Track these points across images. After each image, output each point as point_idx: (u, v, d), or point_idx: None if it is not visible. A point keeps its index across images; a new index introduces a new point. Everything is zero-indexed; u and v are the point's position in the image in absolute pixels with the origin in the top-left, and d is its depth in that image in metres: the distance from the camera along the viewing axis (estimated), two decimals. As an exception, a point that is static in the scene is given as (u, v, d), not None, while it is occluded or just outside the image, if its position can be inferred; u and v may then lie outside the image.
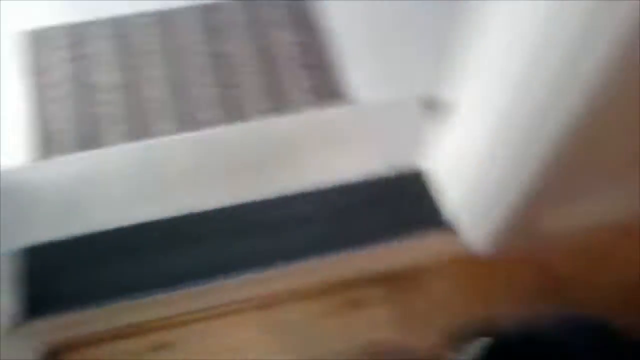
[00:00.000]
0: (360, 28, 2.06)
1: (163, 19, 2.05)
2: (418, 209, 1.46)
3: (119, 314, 1.31)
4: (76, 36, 2.00)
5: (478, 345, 0.91)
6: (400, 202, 1.49)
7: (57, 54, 1.96)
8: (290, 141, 1.75)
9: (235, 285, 1.36)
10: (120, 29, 2.02)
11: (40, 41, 1.98)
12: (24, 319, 1.26)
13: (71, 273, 1.35)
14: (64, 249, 1.38)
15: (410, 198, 1.49)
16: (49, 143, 1.79)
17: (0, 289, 1.23)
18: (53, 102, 1.87)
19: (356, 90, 1.93)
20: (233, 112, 1.93)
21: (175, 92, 1.94)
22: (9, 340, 1.16)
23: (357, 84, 1.94)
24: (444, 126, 1.41)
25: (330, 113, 1.83)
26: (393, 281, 1.41)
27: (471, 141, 1.28)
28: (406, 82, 1.86)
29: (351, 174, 1.60)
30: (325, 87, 1.97)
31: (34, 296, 1.29)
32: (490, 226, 1.36)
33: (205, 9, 2.09)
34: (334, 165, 1.64)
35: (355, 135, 1.71)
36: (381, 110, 1.75)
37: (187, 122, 1.89)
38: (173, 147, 1.72)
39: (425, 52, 1.91)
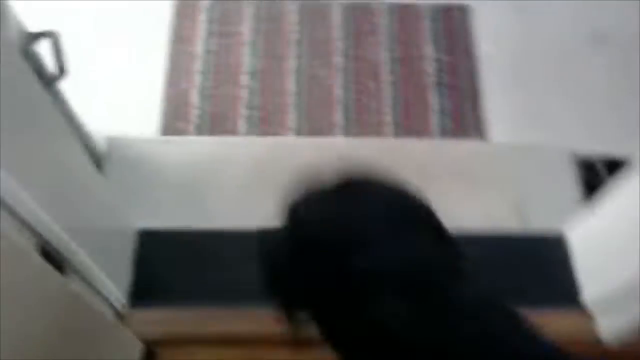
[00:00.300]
0: (515, 61, 1.91)
1: (311, 9, 1.98)
2: (549, 280, 1.34)
3: (222, 319, 1.26)
4: (224, 11, 1.96)
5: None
6: (529, 268, 1.37)
7: (203, 26, 1.93)
8: (414, 169, 1.63)
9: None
10: (269, 11, 1.97)
11: (188, 11, 1.95)
12: (130, 308, 1.24)
13: (181, 267, 1.31)
14: (176, 240, 1.34)
15: (542, 265, 1.37)
16: (178, 115, 1.77)
17: (114, 273, 1.20)
18: (189, 74, 1.85)
19: (493, 126, 1.81)
20: (357, 119, 1.86)
21: (306, 88, 1.87)
22: (114, 329, 1.13)
23: (496, 120, 1.82)
24: (599, 194, 1.28)
25: (463, 146, 1.72)
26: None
27: (633, 222, 1.14)
28: (553, 132, 1.72)
29: (476, 221, 1.49)
30: (460, 114, 1.85)
31: (140, 286, 1.26)
32: (628, 318, 1.22)
33: (355, 8, 2.00)
34: (459, 206, 1.52)
35: (487, 178, 1.59)
36: (521, 156, 1.62)
37: (311, 120, 1.83)
38: (295, 149, 1.66)
39: (586, 106, 1.76)
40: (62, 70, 1.29)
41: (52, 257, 0.91)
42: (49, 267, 0.81)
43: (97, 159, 1.50)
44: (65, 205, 0.98)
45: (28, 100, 0.87)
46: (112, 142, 1.56)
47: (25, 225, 0.85)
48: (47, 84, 1.29)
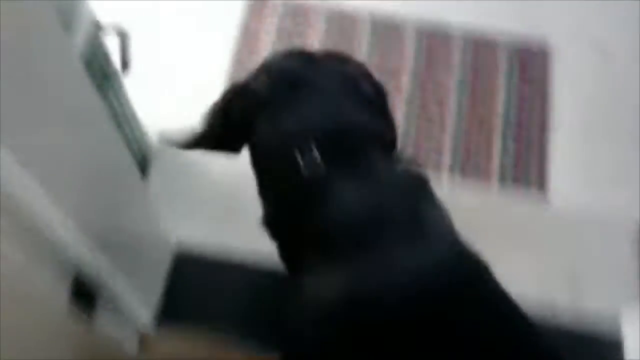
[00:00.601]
0: (592, 114, 1.79)
1: (384, 27, 1.90)
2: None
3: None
4: (295, 17, 1.88)
5: None
6: (577, 351, 1.27)
7: (272, 28, 1.86)
8: (464, 218, 1.53)
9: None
10: (340, 24, 1.89)
11: (259, 10, 1.88)
12: (155, 327, 1.19)
13: (213, 293, 1.26)
14: (214, 263, 1.29)
15: (591, 351, 1.27)
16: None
17: (146, 293, 1.15)
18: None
19: (556, 179, 1.69)
20: (415, 144, 1.76)
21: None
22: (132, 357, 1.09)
23: (560, 174, 1.70)
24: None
25: (522, 203, 1.61)
26: None
27: None
28: (621, 201, 1.60)
29: (525, 287, 1.37)
30: (523, 160, 1.75)
31: (169, 306, 1.22)
32: None
33: (429, 32, 1.90)
34: (508, 269, 1.41)
35: (543, 242, 1.50)
36: (584, 225, 1.52)
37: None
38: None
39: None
40: (125, 66, 1.24)
41: (84, 285, 0.87)
42: (75, 313, 0.76)
43: (144, 158, 1.45)
44: (103, 222, 0.93)
45: (75, 98, 0.79)
46: (162, 138, 1.51)
47: (59, 250, 0.80)
48: (106, 79, 1.24)
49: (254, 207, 1.41)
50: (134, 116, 1.36)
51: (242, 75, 1.76)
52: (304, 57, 1.02)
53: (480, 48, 1.89)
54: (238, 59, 1.81)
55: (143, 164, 1.41)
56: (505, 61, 1.87)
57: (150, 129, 1.48)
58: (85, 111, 0.84)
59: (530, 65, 1.88)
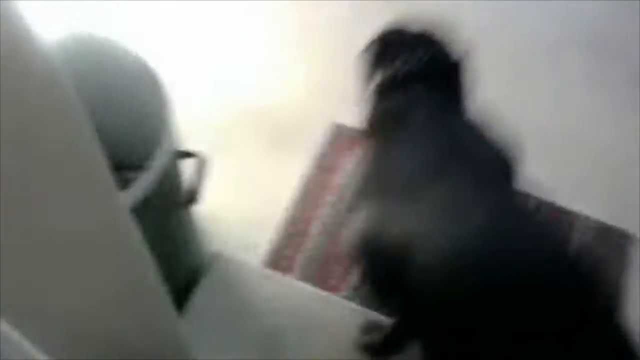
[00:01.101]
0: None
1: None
2: None
3: None
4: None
5: None
6: None
7: (353, 160, 1.84)
8: None
9: None
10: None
11: (344, 142, 1.89)
12: None
13: None
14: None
15: None
16: (289, 244, 1.66)
17: None
18: (318, 206, 1.75)
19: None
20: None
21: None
22: None
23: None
24: None
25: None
26: None
27: None
28: None
29: None
30: None
31: None
32: None
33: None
34: None
35: None
36: None
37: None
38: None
39: None
40: (194, 195, 1.22)
41: None
42: None
43: (193, 277, 1.41)
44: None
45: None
46: (211, 260, 1.47)
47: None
48: (173, 206, 1.21)
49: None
50: (194, 237, 1.34)
51: (305, 204, 1.74)
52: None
53: (555, 220, 1.81)
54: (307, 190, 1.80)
55: (191, 281, 1.38)
56: (580, 240, 1.78)
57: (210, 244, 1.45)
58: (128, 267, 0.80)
59: (605, 250, 1.78)
